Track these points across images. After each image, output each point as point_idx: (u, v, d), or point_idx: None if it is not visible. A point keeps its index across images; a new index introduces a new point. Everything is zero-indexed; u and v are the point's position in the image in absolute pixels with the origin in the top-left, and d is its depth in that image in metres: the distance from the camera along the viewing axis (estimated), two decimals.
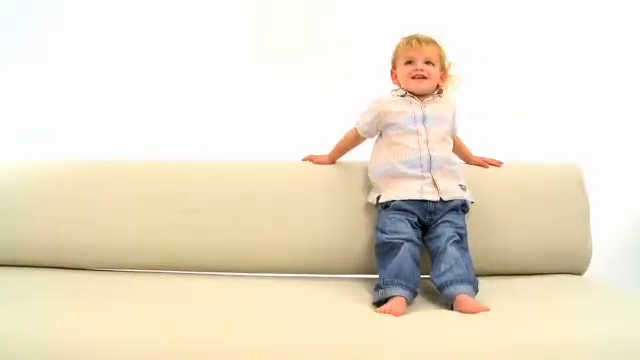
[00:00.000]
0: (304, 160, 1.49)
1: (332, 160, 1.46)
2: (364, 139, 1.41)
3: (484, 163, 1.47)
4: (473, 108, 1.54)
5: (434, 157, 1.27)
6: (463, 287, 1.11)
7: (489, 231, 1.37)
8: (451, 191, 1.27)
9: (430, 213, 1.26)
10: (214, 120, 2.02)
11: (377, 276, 1.22)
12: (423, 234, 1.26)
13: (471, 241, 1.26)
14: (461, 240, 1.22)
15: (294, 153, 1.50)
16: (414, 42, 1.33)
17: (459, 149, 1.45)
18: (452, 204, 1.26)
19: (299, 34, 2.03)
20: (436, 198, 1.25)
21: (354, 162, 1.45)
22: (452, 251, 1.17)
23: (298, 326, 0.98)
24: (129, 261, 1.43)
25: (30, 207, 1.45)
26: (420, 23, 1.43)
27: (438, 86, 1.36)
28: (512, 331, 0.95)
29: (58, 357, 0.90)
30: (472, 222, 1.33)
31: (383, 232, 1.25)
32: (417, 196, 1.25)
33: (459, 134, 1.44)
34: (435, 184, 1.26)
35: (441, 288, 1.14)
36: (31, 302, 1.12)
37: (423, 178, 1.26)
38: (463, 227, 1.26)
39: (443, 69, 1.35)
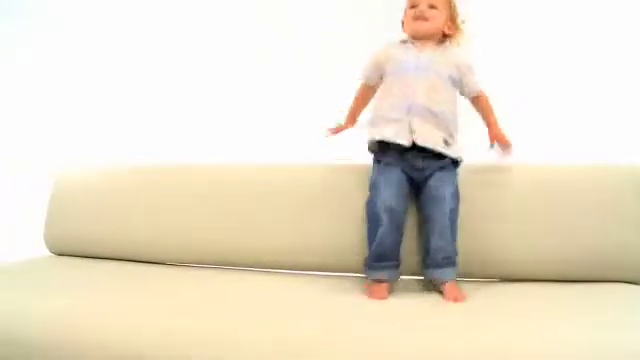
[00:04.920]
0: (328, 136, 1.45)
1: (352, 122, 1.45)
2: (372, 90, 1.39)
3: (497, 139, 1.33)
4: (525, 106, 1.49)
5: (415, 104, 1.26)
6: (449, 272, 1.22)
7: (540, 234, 1.32)
8: (429, 138, 1.25)
9: (418, 170, 1.27)
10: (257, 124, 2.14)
11: None
12: (418, 192, 1.30)
13: (520, 242, 1.28)
14: (454, 206, 1.25)
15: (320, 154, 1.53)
16: None
17: (482, 110, 1.36)
18: (440, 163, 1.26)
19: (314, 35, 2.08)
20: (408, 142, 1.25)
21: None
22: (447, 225, 1.23)
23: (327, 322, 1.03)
24: (182, 256, 1.57)
25: (102, 209, 1.65)
26: None
27: (445, 35, 1.34)
28: (521, 334, 0.94)
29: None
30: (521, 224, 1.32)
31: (370, 191, 1.29)
32: (391, 138, 1.26)
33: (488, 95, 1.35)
34: (411, 128, 1.25)
35: (428, 266, 1.25)
36: (101, 291, 1.26)
37: (400, 122, 1.26)
38: (454, 184, 1.27)
39: (452, 19, 1.34)
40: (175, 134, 2.24)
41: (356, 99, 1.45)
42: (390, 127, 1.28)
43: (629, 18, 1.87)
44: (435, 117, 1.27)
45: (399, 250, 1.26)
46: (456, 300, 1.16)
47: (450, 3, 1.34)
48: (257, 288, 1.30)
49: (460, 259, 1.25)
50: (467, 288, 1.22)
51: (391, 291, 1.23)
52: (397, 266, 1.27)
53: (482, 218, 1.35)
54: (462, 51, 1.35)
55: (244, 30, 2.19)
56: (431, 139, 1.26)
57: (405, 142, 1.25)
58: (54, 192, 1.75)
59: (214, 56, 2.22)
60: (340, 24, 2.08)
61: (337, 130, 1.45)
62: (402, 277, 1.33)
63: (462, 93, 1.35)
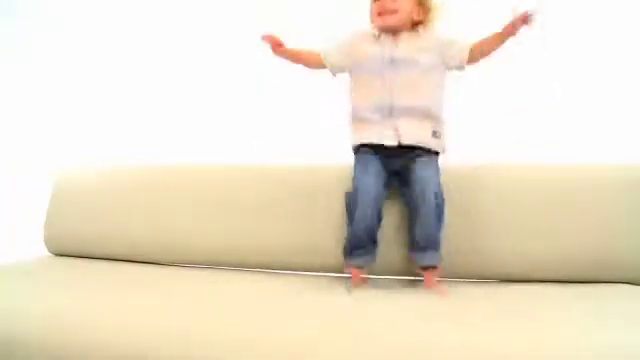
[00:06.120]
0: (264, 39, 1.33)
1: (283, 54, 1.35)
2: (320, 65, 1.36)
3: (513, 26, 1.20)
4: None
5: (396, 105, 1.23)
6: (429, 257, 1.21)
7: (540, 235, 1.32)
8: (414, 135, 1.23)
9: (398, 157, 1.24)
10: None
11: None
12: (400, 177, 1.26)
13: (520, 242, 1.27)
14: (437, 190, 1.21)
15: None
16: None
17: (487, 45, 1.25)
18: (420, 152, 1.24)
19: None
20: (394, 142, 1.23)
21: None
22: (431, 211, 1.19)
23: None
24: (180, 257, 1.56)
25: (101, 209, 1.65)
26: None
27: (416, 23, 1.28)
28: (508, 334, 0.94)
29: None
30: (520, 225, 1.31)
31: (353, 180, 1.25)
32: (375, 140, 1.24)
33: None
34: (395, 129, 1.23)
35: (412, 250, 1.24)
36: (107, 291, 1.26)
37: (384, 124, 1.24)
38: (437, 170, 1.24)
39: (421, 3, 1.27)
40: (175, 134, 2.24)
41: (303, 55, 1.36)
42: (373, 129, 1.25)
43: (627, 17, 1.87)
44: (420, 112, 1.24)
45: (375, 233, 1.26)
46: (441, 293, 1.16)
47: None
48: (256, 288, 1.30)
49: (459, 259, 1.25)
50: (467, 288, 1.22)
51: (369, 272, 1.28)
52: (374, 250, 1.27)
53: (481, 218, 1.35)
54: (437, 30, 1.29)
55: (244, 30, 2.19)
56: (417, 136, 1.24)
57: (392, 143, 1.24)
58: (54, 192, 1.75)
59: (214, 56, 2.23)
60: (340, 24, 2.07)
61: (271, 39, 1.33)
62: (398, 277, 1.33)
63: (455, 68, 1.28)
